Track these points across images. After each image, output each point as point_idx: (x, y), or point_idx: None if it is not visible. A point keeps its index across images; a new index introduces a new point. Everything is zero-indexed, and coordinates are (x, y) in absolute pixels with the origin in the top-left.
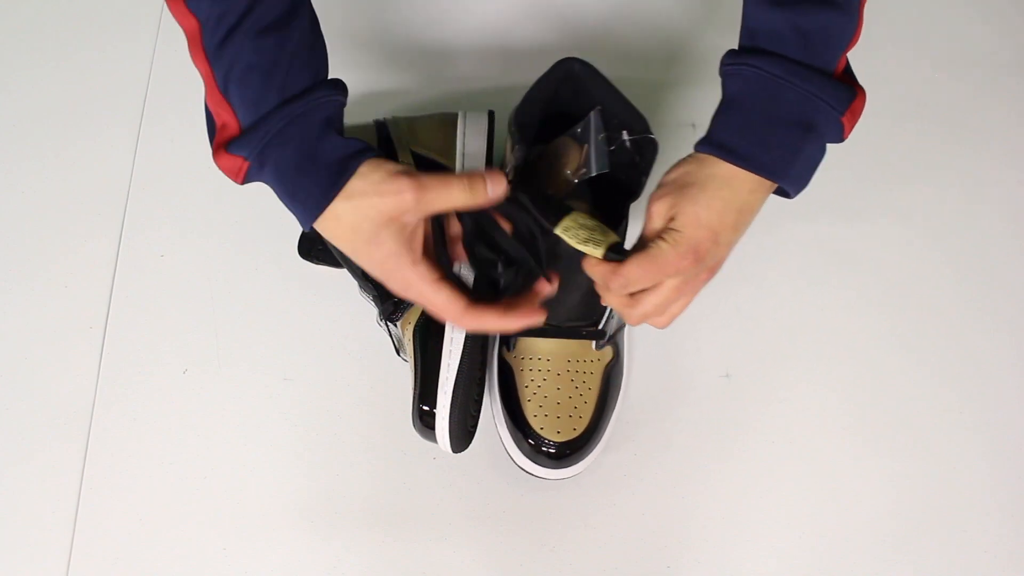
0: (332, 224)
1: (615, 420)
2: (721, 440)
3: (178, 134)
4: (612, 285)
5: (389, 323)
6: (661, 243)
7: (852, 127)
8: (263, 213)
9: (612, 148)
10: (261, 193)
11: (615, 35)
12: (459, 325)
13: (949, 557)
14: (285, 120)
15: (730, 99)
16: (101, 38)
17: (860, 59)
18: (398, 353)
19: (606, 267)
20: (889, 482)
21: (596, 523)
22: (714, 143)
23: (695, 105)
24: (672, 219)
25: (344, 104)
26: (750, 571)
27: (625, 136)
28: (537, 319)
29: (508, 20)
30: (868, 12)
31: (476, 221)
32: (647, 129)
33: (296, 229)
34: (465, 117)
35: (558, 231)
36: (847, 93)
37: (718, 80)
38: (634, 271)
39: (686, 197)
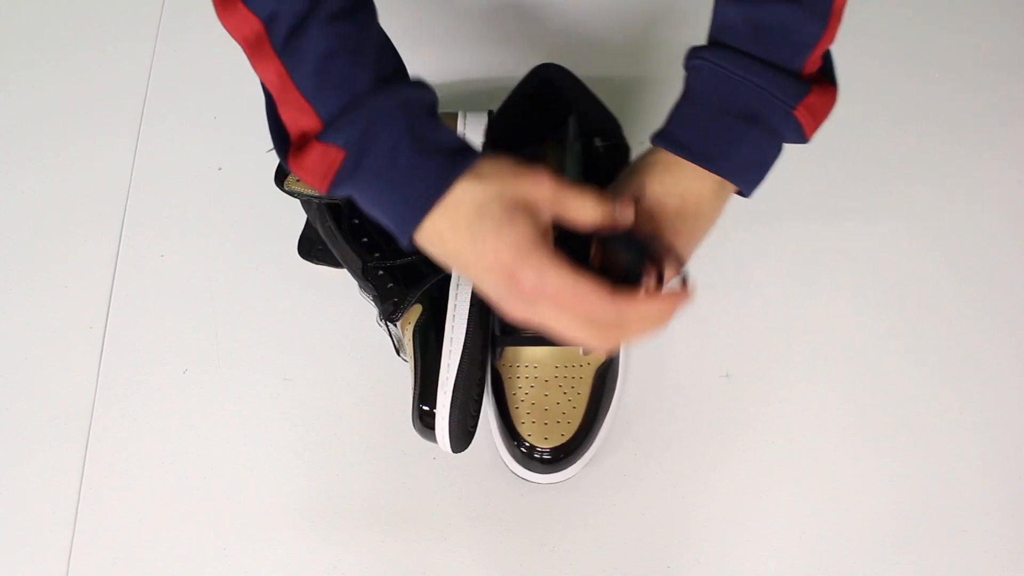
0: (451, 212)
1: (613, 421)
2: (721, 440)
3: (178, 134)
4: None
5: (389, 323)
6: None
7: (816, 126)
8: (263, 213)
9: (585, 155)
10: (261, 193)
11: (615, 36)
12: (609, 313)
13: (949, 557)
14: (387, 100)
15: (685, 92)
16: (101, 38)
17: (861, 59)
18: (398, 353)
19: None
20: (889, 482)
21: (596, 523)
22: (660, 134)
23: None
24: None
25: (437, 102)
26: (750, 571)
27: (598, 143)
28: (685, 298)
29: (508, 20)
30: (868, 12)
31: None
32: (620, 133)
33: (296, 229)
34: (465, 117)
35: None
36: (798, 88)
37: None
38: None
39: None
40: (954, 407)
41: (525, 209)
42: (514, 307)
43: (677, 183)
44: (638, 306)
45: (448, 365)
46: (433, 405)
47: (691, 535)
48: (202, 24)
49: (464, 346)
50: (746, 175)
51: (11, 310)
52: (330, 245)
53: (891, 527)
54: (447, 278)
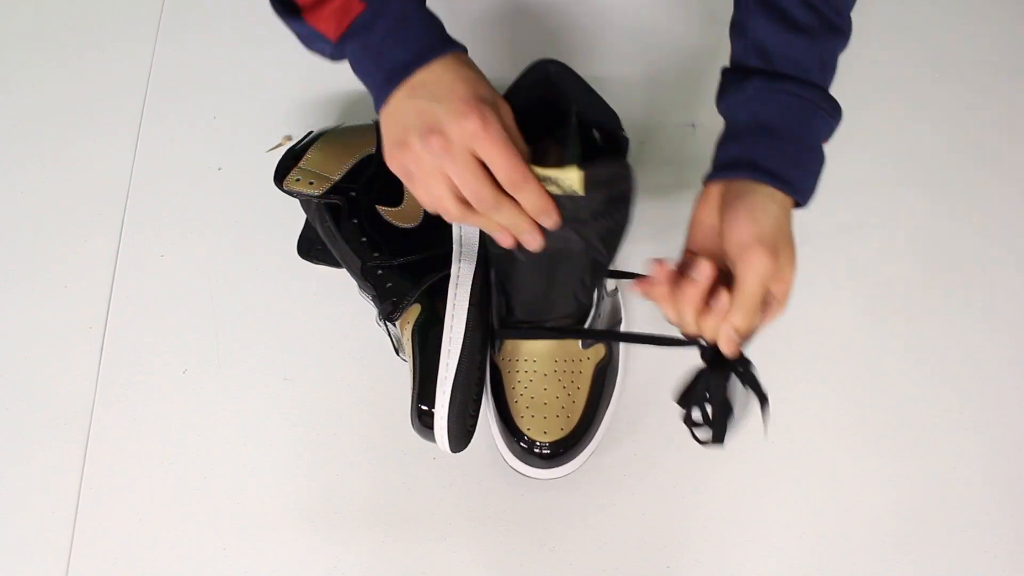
0: (438, 69)
1: (613, 419)
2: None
3: (178, 134)
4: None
5: (388, 323)
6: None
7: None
8: (263, 213)
9: (585, 148)
10: (261, 193)
11: (616, 35)
12: (514, 183)
13: (949, 557)
14: None
15: (765, 125)
16: (101, 38)
17: (862, 59)
18: (397, 353)
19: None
20: (889, 482)
21: (596, 523)
22: (766, 171)
23: (694, 105)
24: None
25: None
26: (750, 571)
27: (596, 135)
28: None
29: (508, 20)
30: (868, 12)
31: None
32: (619, 126)
33: (296, 229)
34: None
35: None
36: (839, 109)
37: (714, 80)
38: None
39: (784, 255)
40: (954, 407)
41: (495, 101)
42: (410, 154)
43: (770, 220)
44: (532, 187)
45: (447, 365)
46: (432, 405)
47: (691, 535)
48: (202, 24)
49: (463, 346)
50: (809, 197)
51: (11, 310)
52: (329, 245)
53: (891, 527)
54: (446, 278)
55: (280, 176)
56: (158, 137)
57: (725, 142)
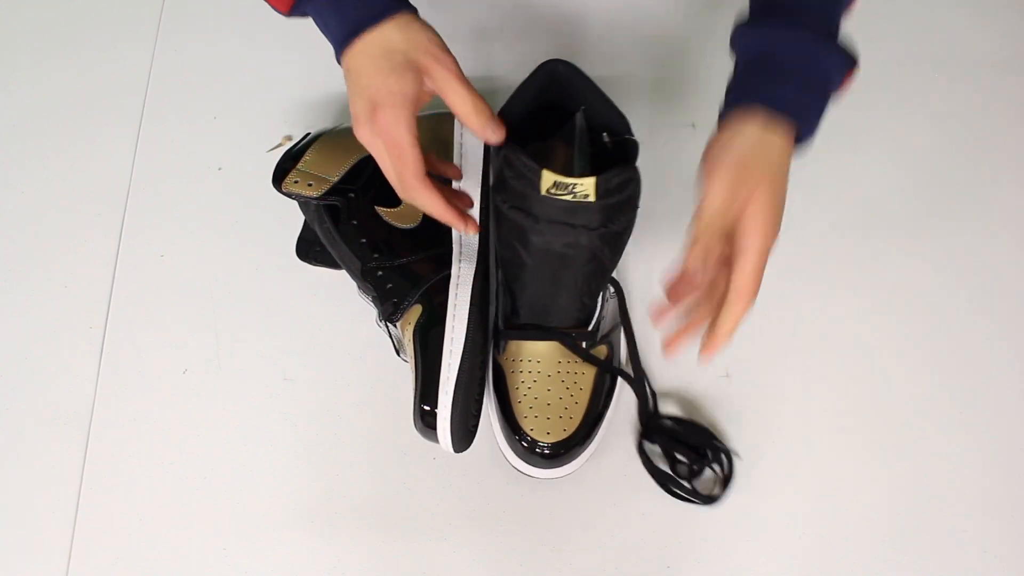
0: (375, 42)
1: (615, 419)
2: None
3: (178, 134)
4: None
5: (389, 324)
6: (751, 242)
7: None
8: (263, 213)
9: (593, 149)
10: (261, 193)
11: (617, 35)
12: (406, 186)
13: (949, 557)
14: None
15: (770, 56)
16: (101, 38)
17: (866, 62)
18: (398, 353)
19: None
20: (889, 482)
21: (596, 523)
22: (766, 100)
23: (695, 105)
24: (742, 201)
25: None
26: (750, 571)
27: (606, 138)
28: (466, 227)
29: (509, 20)
30: (869, 12)
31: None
32: (628, 129)
33: (296, 229)
34: None
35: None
36: (849, 56)
37: (714, 80)
38: (751, 281)
39: (752, 181)
40: (954, 407)
41: (419, 71)
42: (364, 131)
43: (782, 164)
44: (430, 195)
45: (449, 365)
46: (434, 405)
47: (691, 535)
48: (202, 24)
49: (464, 346)
50: (813, 123)
51: (11, 310)
52: (328, 246)
53: (891, 527)
54: (446, 278)
55: (278, 178)
56: (158, 137)
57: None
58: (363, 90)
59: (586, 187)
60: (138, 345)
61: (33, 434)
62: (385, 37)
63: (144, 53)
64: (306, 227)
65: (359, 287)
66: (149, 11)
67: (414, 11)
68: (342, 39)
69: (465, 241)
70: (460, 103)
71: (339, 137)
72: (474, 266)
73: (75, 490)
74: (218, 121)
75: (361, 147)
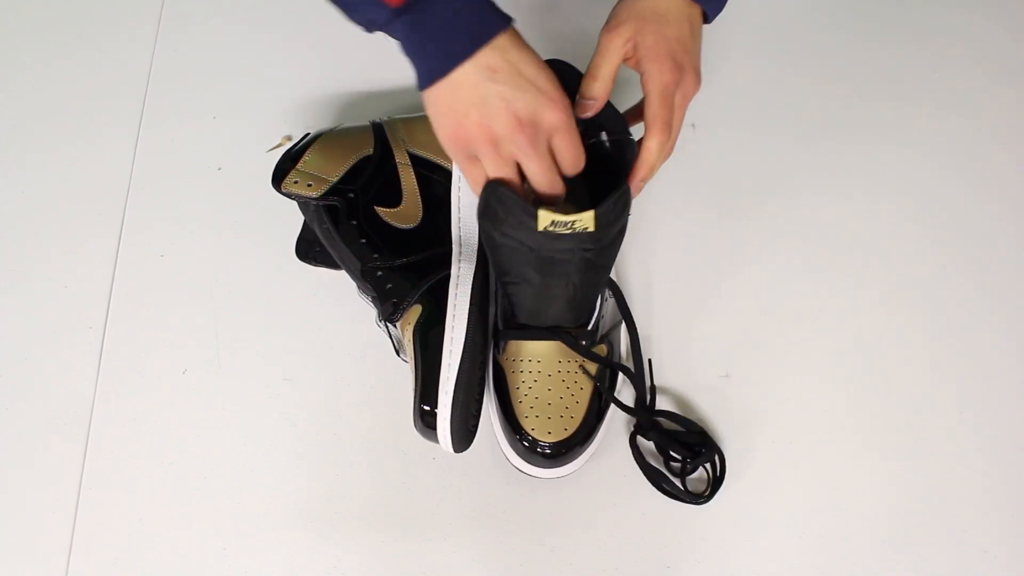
0: (514, 38)
1: (613, 419)
2: (721, 440)
3: (178, 134)
4: (658, 157)
5: (388, 324)
6: (649, 80)
7: None
8: (263, 213)
9: (591, 145)
10: (261, 193)
11: None
12: (577, 167)
13: (949, 557)
14: None
15: None
16: (101, 38)
17: (866, 59)
18: (398, 354)
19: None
20: (889, 482)
21: (596, 523)
22: None
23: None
24: (635, 47)
25: None
26: (750, 571)
27: (604, 137)
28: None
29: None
30: (868, 12)
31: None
32: (626, 129)
33: (296, 229)
34: None
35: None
36: None
37: (713, 80)
38: (657, 118)
39: (643, 22)
40: (954, 407)
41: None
42: (525, 132)
43: (680, 10)
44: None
45: (449, 365)
46: (434, 405)
47: (691, 535)
48: (202, 24)
49: (464, 346)
50: (719, 4)
51: (11, 310)
52: (328, 247)
53: (891, 527)
54: (446, 278)
55: (278, 178)
56: (158, 137)
57: None
58: (498, 104)
59: (585, 221)
60: (138, 345)
61: (33, 434)
62: (507, 57)
63: (144, 53)
64: (306, 227)
65: (359, 287)
66: (149, 11)
67: (514, 21)
68: (443, 65)
69: (465, 241)
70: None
71: (339, 137)
72: (474, 266)
73: (75, 490)
74: (218, 121)
75: (360, 147)
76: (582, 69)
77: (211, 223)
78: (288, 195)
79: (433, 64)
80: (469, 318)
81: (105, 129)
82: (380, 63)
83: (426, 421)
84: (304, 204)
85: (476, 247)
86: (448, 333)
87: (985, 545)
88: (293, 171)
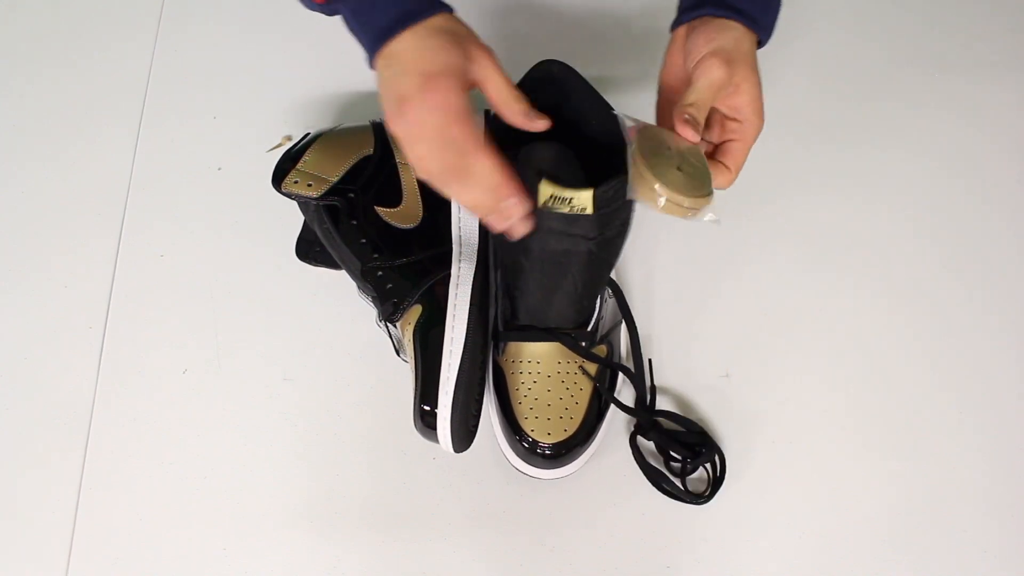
0: (423, 25)
1: (613, 420)
2: (721, 440)
3: (178, 134)
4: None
5: (389, 324)
6: (748, 125)
7: None
8: (263, 213)
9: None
10: (261, 193)
11: (611, 35)
12: (468, 154)
13: (949, 557)
14: None
15: None
16: (101, 38)
17: (865, 59)
18: (398, 354)
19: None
20: (889, 482)
21: (596, 523)
22: (728, 6)
23: None
24: (734, 93)
25: None
26: (750, 571)
27: (626, 121)
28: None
29: (504, 20)
30: (869, 12)
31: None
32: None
33: (296, 229)
34: None
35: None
36: None
37: None
38: (741, 163)
39: (748, 70)
40: (954, 407)
41: (466, 54)
42: (413, 107)
43: (754, 59)
44: (483, 163)
45: (449, 365)
46: (435, 405)
47: (691, 535)
48: (202, 24)
49: (464, 346)
50: (770, 33)
51: (11, 310)
52: (328, 247)
53: (891, 527)
54: (446, 278)
55: (278, 179)
56: (158, 137)
57: None
58: (410, 67)
59: (583, 200)
60: (138, 345)
61: (33, 434)
62: (433, 23)
63: (144, 53)
64: (306, 227)
65: (359, 287)
66: (149, 11)
67: (449, 9)
68: (385, 28)
69: (465, 241)
70: (499, 91)
71: (339, 137)
72: (474, 266)
73: (75, 490)
74: (218, 121)
75: (360, 147)
76: (577, 67)
77: (211, 223)
78: (288, 195)
79: (367, 55)
80: (469, 318)
81: (105, 129)
82: None
83: (426, 421)
84: (304, 204)
85: (476, 247)
86: (448, 333)
87: (985, 545)
88: (293, 171)
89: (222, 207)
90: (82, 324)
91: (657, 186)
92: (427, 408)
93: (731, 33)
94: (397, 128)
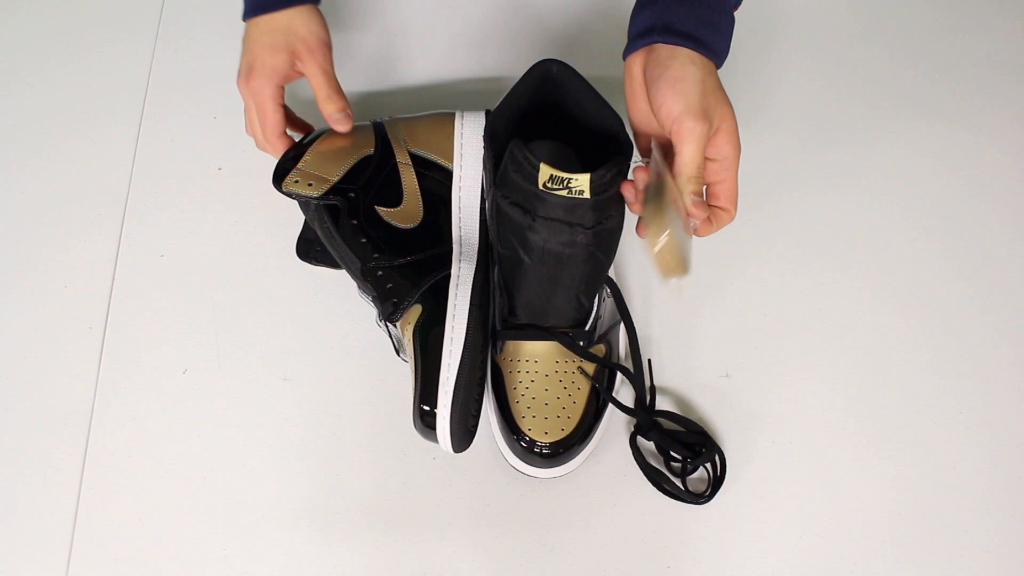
0: (270, 20)
1: (612, 419)
2: (721, 440)
3: (178, 134)
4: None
5: (388, 324)
6: (730, 161)
7: None
8: (263, 213)
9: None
10: (261, 193)
11: (610, 34)
12: (266, 138)
13: (949, 557)
14: None
15: None
16: (101, 38)
17: (866, 59)
18: (398, 353)
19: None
20: (889, 482)
21: (596, 523)
22: (680, 33)
23: None
24: (712, 138)
25: None
26: (750, 571)
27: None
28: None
29: (504, 20)
30: (869, 13)
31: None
32: (623, 128)
33: (296, 229)
34: (463, 117)
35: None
36: None
37: None
38: (735, 196)
39: (716, 118)
40: (954, 407)
41: (292, 55)
42: (240, 84)
43: (692, 87)
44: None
45: (448, 365)
46: (434, 405)
47: (691, 535)
48: (202, 24)
49: (464, 346)
50: (724, 58)
51: (11, 310)
52: (328, 246)
53: (891, 527)
54: (446, 278)
55: (279, 178)
56: (158, 137)
57: (637, 11)
58: (247, 54)
59: (581, 183)
60: (138, 345)
61: (33, 434)
62: (277, 21)
63: (144, 53)
64: (306, 227)
65: (359, 287)
66: (149, 12)
67: (316, 4)
68: (250, 10)
69: (465, 241)
70: (319, 88)
71: (340, 137)
72: (474, 266)
73: (75, 490)
74: (218, 121)
75: (361, 146)
76: (576, 66)
77: (211, 223)
78: (289, 194)
79: (244, 12)
80: (469, 318)
81: (105, 129)
82: (380, 63)
83: (426, 421)
84: (305, 203)
85: (476, 247)
86: (448, 333)
87: (985, 545)
88: (294, 170)
89: (222, 207)
90: (82, 324)
91: (667, 235)
92: (427, 408)
93: (693, 71)
94: (238, 87)
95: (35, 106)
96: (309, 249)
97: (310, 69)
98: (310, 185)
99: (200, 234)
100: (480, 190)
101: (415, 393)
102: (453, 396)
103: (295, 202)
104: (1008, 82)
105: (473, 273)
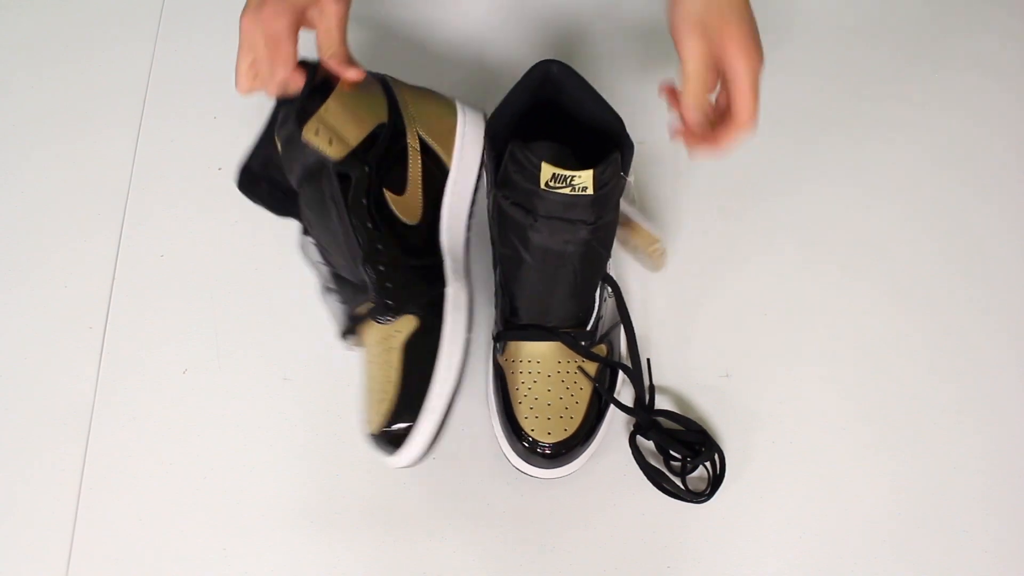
0: None
1: (613, 419)
2: (721, 439)
3: (178, 134)
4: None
5: (377, 319)
6: (739, 70)
7: None
8: (263, 213)
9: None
10: None
11: (610, 34)
12: (275, 73)
13: (949, 557)
14: None
15: None
16: (101, 38)
17: (866, 56)
18: (343, 337)
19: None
20: (889, 482)
21: (596, 523)
22: None
23: None
24: (718, 47)
25: None
26: (750, 571)
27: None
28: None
29: (504, 20)
30: (869, 12)
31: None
32: (623, 129)
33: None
34: (465, 116)
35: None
36: None
37: None
38: (748, 104)
39: (719, 25)
40: (955, 407)
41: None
42: (248, 17)
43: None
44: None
45: (440, 394)
46: (412, 421)
47: (691, 535)
48: (202, 24)
49: (459, 370)
50: None
51: (11, 310)
52: (315, 217)
53: (891, 527)
54: (443, 296)
55: (300, 120)
56: (158, 137)
57: None
58: None
59: (584, 179)
60: (138, 345)
61: (33, 434)
62: None
63: (144, 53)
64: (253, 156)
65: (340, 267)
66: (149, 11)
67: None
68: None
69: (453, 255)
70: (326, 34)
71: (356, 96)
72: (464, 286)
73: (75, 490)
74: (218, 121)
75: (376, 111)
76: (576, 67)
77: (211, 223)
78: (306, 145)
79: None
80: (465, 346)
81: (105, 129)
82: (380, 63)
83: (389, 436)
84: (297, 147)
85: (463, 263)
86: (445, 360)
87: (985, 545)
88: (316, 117)
89: (222, 207)
90: (82, 324)
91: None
92: (402, 425)
93: None
94: (241, 20)
95: (35, 106)
96: (254, 186)
97: (324, 16)
98: (330, 143)
99: (200, 234)
100: (468, 203)
101: (385, 401)
102: (438, 423)
103: None
104: (1008, 81)
105: (467, 297)
